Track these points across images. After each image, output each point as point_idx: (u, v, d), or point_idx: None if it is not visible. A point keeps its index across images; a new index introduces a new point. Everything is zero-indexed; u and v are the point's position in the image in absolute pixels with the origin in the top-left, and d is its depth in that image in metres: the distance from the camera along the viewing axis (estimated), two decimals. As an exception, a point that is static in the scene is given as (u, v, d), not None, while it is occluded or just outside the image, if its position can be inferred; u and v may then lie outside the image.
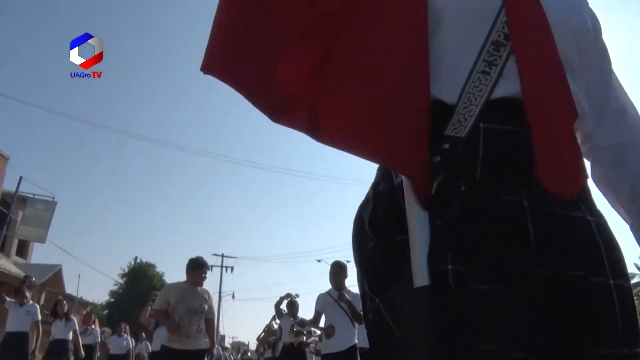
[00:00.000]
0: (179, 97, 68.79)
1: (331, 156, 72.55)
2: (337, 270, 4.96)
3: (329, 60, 0.84)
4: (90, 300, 28.58)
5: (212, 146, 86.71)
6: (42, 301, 17.10)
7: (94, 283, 76.34)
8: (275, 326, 8.92)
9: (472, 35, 0.80)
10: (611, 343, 0.74)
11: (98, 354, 10.60)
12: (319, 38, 0.85)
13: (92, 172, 59.07)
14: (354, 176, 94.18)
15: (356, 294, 4.82)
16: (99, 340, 9.50)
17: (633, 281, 17.30)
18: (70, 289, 23.83)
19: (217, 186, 72.77)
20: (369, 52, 0.83)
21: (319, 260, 37.18)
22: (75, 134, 49.66)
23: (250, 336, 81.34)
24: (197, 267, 4.73)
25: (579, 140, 0.88)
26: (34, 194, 16.87)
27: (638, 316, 0.79)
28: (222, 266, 37.73)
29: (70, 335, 8.02)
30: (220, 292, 38.25)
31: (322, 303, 4.99)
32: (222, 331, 39.86)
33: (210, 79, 0.84)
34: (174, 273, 53.60)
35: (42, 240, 17.41)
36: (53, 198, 17.08)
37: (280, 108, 0.87)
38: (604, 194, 0.97)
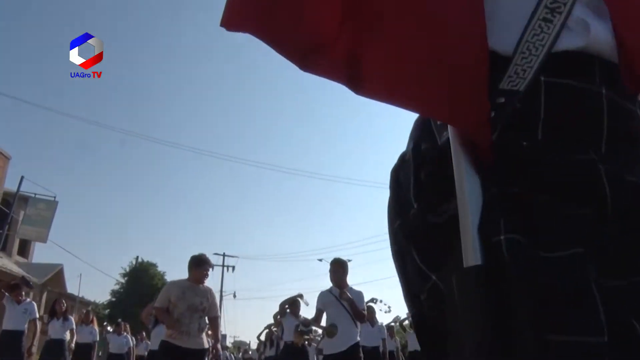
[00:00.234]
0: (180, 96, 68.85)
1: (333, 156, 72.57)
2: (336, 268, 4.85)
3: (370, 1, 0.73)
4: (92, 300, 28.65)
5: (214, 146, 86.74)
6: (43, 301, 17.14)
7: (96, 282, 76.61)
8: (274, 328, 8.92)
9: None
10: None
11: (99, 353, 10.59)
12: None
13: (94, 172, 59.14)
14: (356, 176, 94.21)
15: (358, 292, 4.80)
16: (97, 339, 9.41)
17: None
18: (71, 288, 23.87)
19: (218, 186, 72.85)
20: None
21: (320, 260, 37.41)
22: (76, 133, 49.68)
23: (251, 335, 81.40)
24: (199, 264, 4.62)
25: None
26: (35, 194, 16.91)
27: None
28: (223, 265, 37.77)
29: (67, 335, 7.96)
30: (221, 291, 38.27)
31: (323, 301, 4.87)
32: (223, 330, 39.91)
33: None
34: (175, 272, 53.58)
35: (43, 239, 17.43)
36: (54, 197, 17.14)
37: (311, 54, 0.77)
38: None
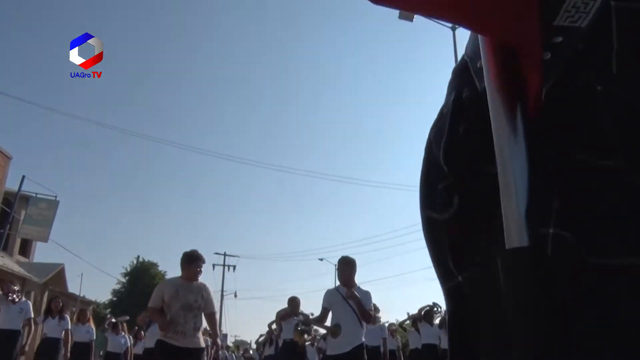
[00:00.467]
0: (181, 95, 68.88)
1: (334, 156, 72.56)
2: (344, 266, 4.71)
3: None
4: (93, 299, 28.68)
5: (215, 145, 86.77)
6: (44, 300, 17.16)
7: (97, 282, 76.53)
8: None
9: None
10: None
11: (100, 352, 10.59)
12: None
13: (95, 171, 59.20)
14: (357, 176, 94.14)
15: (366, 292, 4.63)
16: (95, 338, 9.22)
17: None
18: (72, 287, 23.90)
19: (219, 185, 72.85)
20: None
21: (321, 259, 37.42)
22: (77, 133, 49.71)
23: (252, 335, 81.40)
24: (191, 261, 4.45)
25: None
26: (36, 193, 16.95)
27: None
28: (224, 265, 37.83)
29: (63, 334, 7.83)
30: (222, 290, 38.34)
31: (330, 299, 4.68)
32: (224, 330, 39.98)
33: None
34: (176, 272, 53.20)
35: (44, 239, 17.47)
36: (55, 197, 17.17)
37: None
38: None
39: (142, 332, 10.29)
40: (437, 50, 65.18)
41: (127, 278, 33.41)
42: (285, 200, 72.83)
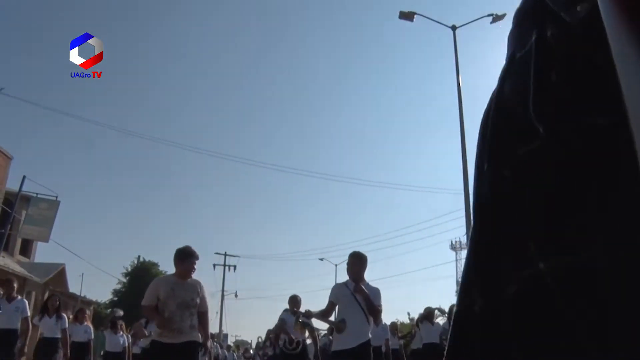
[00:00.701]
0: (181, 95, 68.92)
1: (335, 155, 72.55)
2: (353, 261, 4.60)
3: None
4: (94, 299, 28.72)
5: (215, 145, 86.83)
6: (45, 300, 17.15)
7: (97, 282, 76.49)
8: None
9: None
10: None
11: (101, 352, 10.56)
12: None
13: (96, 172, 59.22)
14: (358, 176, 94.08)
15: (375, 288, 4.54)
16: (92, 337, 9.17)
17: None
18: (73, 287, 23.98)
19: (220, 185, 72.91)
20: None
21: (321, 259, 37.45)
22: (78, 133, 49.75)
23: (252, 335, 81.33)
24: (184, 257, 4.31)
25: None
26: (37, 193, 16.96)
27: None
28: (224, 265, 37.84)
29: (60, 333, 7.65)
30: (222, 290, 38.35)
31: (337, 293, 4.54)
32: (224, 330, 40.01)
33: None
34: (177, 272, 53.38)
35: (45, 239, 17.49)
36: (56, 197, 17.19)
37: None
38: None
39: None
40: (438, 51, 65.17)
41: (127, 278, 33.45)
42: (285, 201, 72.89)
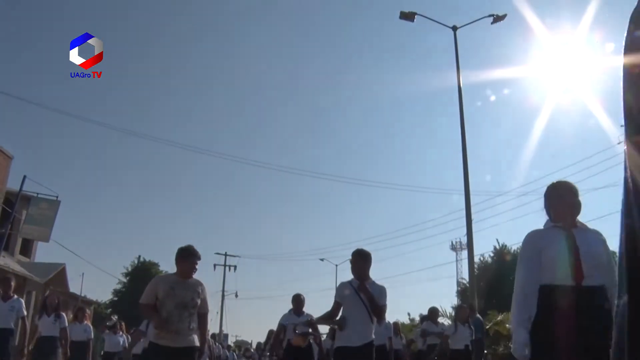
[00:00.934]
0: (182, 95, 68.92)
1: (336, 156, 72.53)
2: (356, 259, 4.53)
3: None
4: (94, 299, 28.73)
5: (216, 145, 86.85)
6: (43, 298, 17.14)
7: (98, 282, 76.39)
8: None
9: None
10: None
11: (101, 352, 10.55)
12: None
13: (96, 171, 59.27)
14: (359, 176, 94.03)
15: (380, 287, 4.47)
16: (92, 336, 9.08)
17: None
18: (74, 287, 23.98)
19: (220, 185, 72.87)
20: None
21: (322, 259, 37.48)
22: (79, 133, 49.87)
23: (253, 335, 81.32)
24: (185, 257, 4.20)
25: None
26: (37, 193, 16.97)
27: None
28: (225, 265, 37.89)
29: (59, 332, 7.54)
30: (223, 290, 38.39)
31: (342, 292, 4.46)
32: (225, 330, 40.04)
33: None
34: (178, 272, 53.32)
35: (46, 239, 17.50)
36: (57, 197, 17.19)
37: None
38: None
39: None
40: (439, 51, 65.16)
41: (128, 278, 33.49)
42: (286, 201, 72.83)
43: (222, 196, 70.39)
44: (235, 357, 27.02)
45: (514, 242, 36.00)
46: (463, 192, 13.12)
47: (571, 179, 2.91)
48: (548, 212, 2.77)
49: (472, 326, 7.83)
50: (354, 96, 64.29)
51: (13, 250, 19.39)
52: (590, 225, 2.78)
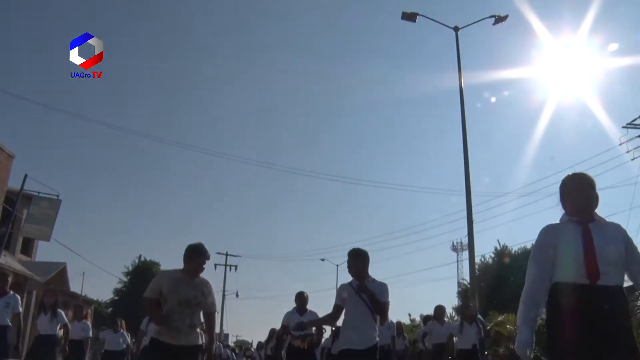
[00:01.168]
0: (183, 95, 68.95)
1: (336, 155, 72.52)
2: (353, 259, 4.41)
3: None
4: (95, 298, 28.77)
5: (217, 145, 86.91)
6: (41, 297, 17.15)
7: (99, 281, 76.84)
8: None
9: None
10: None
11: (102, 351, 10.49)
12: None
13: (97, 171, 59.37)
14: (359, 176, 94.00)
15: (381, 284, 4.34)
16: (90, 335, 9.05)
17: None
18: (74, 287, 24.01)
19: (221, 185, 72.90)
20: None
21: (322, 260, 37.47)
22: (80, 132, 49.92)
23: (254, 335, 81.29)
24: (194, 256, 4.08)
25: None
26: (38, 192, 17.00)
27: None
28: (226, 265, 37.88)
29: (57, 331, 7.41)
30: (224, 290, 38.38)
31: (342, 295, 4.32)
32: (225, 329, 40.03)
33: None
34: (178, 271, 53.34)
35: (46, 238, 17.52)
36: (58, 196, 17.22)
37: None
38: None
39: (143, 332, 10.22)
40: (441, 51, 65.03)
41: (128, 277, 33.49)
42: (287, 200, 72.84)
43: (224, 196, 70.46)
44: (235, 357, 27.02)
45: (515, 243, 36.00)
46: (464, 193, 13.10)
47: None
48: (563, 206, 2.62)
49: (479, 325, 7.74)
50: (354, 96, 64.28)
51: (14, 249, 19.40)
52: None
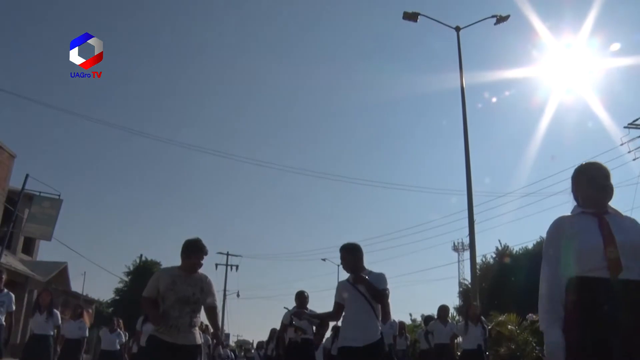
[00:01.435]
0: (184, 94, 69.00)
1: (337, 155, 72.50)
2: (346, 255, 4.30)
3: None
4: (96, 298, 28.80)
5: (218, 145, 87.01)
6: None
7: (100, 280, 76.98)
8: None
9: None
10: None
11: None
12: None
13: (98, 170, 59.42)
14: (361, 175, 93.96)
15: (378, 274, 4.20)
16: (87, 335, 8.90)
17: None
18: (75, 286, 24.05)
19: (222, 184, 72.95)
20: None
21: (323, 259, 37.45)
22: (81, 131, 50.00)
23: (255, 334, 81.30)
24: (191, 251, 3.96)
25: None
26: (40, 192, 17.03)
27: None
28: (227, 264, 37.91)
29: (52, 331, 7.30)
30: (225, 290, 38.41)
31: (340, 292, 4.20)
32: (226, 329, 40.03)
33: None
34: (180, 271, 53.40)
35: (48, 237, 17.54)
36: (59, 196, 17.24)
37: None
38: None
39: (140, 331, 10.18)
40: (441, 51, 64.99)
41: (130, 277, 33.49)
42: (288, 200, 72.87)
43: (224, 195, 70.51)
44: (235, 356, 27.06)
45: (516, 243, 35.97)
46: (465, 193, 13.10)
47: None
48: (575, 197, 2.43)
49: (484, 325, 7.71)
50: (355, 96, 64.26)
51: (15, 249, 19.44)
52: None
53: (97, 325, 19.02)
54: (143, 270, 32.77)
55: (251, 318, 79.74)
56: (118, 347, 9.37)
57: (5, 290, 6.19)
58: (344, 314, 4.22)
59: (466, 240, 31.05)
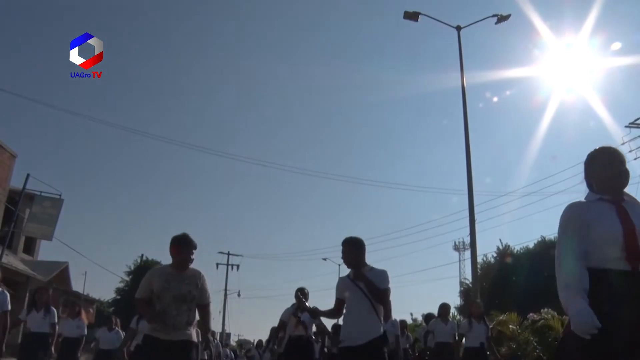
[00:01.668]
0: (186, 94, 69.03)
1: (338, 155, 72.51)
2: (347, 248, 4.18)
3: None
4: (97, 298, 28.82)
5: (219, 145, 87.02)
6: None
7: (101, 280, 76.81)
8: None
9: None
10: None
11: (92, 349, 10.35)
12: None
13: (99, 170, 59.48)
14: (361, 175, 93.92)
15: (380, 271, 4.07)
16: (85, 333, 8.81)
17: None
18: (76, 286, 24.07)
19: (223, 184, 72.96)
20: None
21: (324, 259, 37.46)
22: (82, 131, 50.01)
23: (255, 334, 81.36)
24: (180, 247, 3.88)
25: None
26: (41, 192, 17.04)
27: None
28: (227, 264, 37.91)
29: (49, 328, 7.19)
30: (226, 290, 38.41)
31: (340, 288, 4.13)
32: (227, 329, 40.07)
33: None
34: (181, 270, 53.44)
35: (49, 237, 17.55)
36: (60, 195, 17.25)
37: None
38: None
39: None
40: (442, 50, 64.92)
41: (131, 277, 33.52)
42: (289, 200, 72.87)
43: (225, 195, 70.51)
44: (235, 356, 27.09)
45: (517, 243, 35.93)
46: (466, 192, 13.09)
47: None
48: (589, 184, 2.30)
49: (487, 323, 7.67)
50: (356, 96, 64.25)
51: (16, 249, 19.45)
52: None
53: (98, 325, 19.01)
54: (144, 270, 32.49)
55: (252, 317, 79.84)
56: (116, 346, 9.28)
57: (1, 289, 6.11)
58: (345, 311, 4.14)
59: (467, 240, 30.97)
